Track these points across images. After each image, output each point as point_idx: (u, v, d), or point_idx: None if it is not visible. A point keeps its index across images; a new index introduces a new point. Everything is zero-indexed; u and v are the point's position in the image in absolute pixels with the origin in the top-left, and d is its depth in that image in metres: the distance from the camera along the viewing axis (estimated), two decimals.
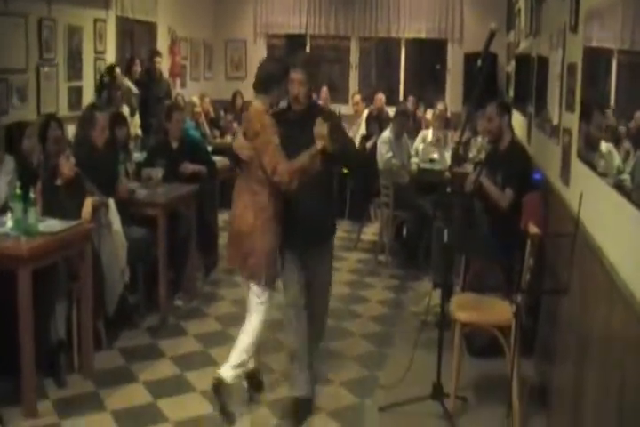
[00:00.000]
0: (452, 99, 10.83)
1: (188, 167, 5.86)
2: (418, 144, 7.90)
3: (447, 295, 4.23)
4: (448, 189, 4.08)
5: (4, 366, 3.95)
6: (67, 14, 7.67)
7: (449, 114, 9.20)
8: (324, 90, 10.29)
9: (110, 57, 8.56)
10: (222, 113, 9.67)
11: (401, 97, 11.45)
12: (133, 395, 4.15)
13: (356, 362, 4.76)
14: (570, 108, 3.81)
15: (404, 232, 7.33)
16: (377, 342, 5.10)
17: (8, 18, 6.85)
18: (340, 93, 11.49)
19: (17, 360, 3.85)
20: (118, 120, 5.87)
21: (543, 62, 5.04)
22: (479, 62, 4.13)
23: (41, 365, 4.06)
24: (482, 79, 4.32)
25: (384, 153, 7.10)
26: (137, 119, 7.86)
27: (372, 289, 6.26)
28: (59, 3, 7.47)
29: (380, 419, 4.02)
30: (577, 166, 3.58)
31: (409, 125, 8.00)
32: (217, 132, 8.90)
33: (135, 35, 9.37)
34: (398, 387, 4.27)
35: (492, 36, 3.71)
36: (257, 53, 11.64)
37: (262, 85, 3.92)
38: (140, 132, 7.81)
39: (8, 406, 3.90)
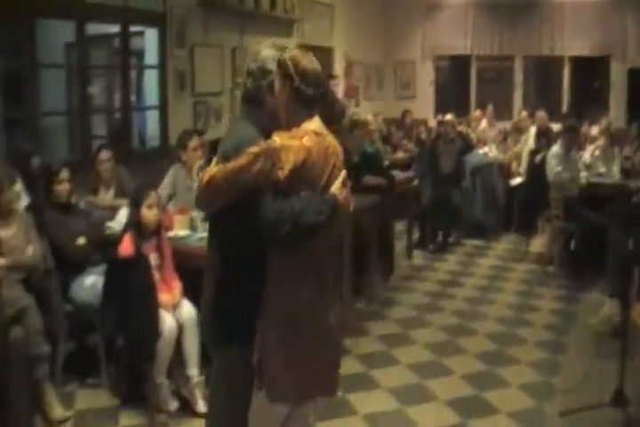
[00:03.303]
0: (616, 114, 10.38)
1: (370, 180, 5.97)
2: (586, 158, 7.67)
3: (624, 305, 4.07)
4: (634, 200, 3.94)
5: None
6: (256, 43, 8.01)
7: (612, 129, 8.85)
8: (490, 107, 10.21)
9: None
10: (393, 130, 9.76)
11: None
12: None
13: (531, 367, 4.65)
14: None
15: (572, 244, 7.12)
16: (550, 350, 4.95)
17: (207, 48, 7.29)
18: (502, 111, 11.32)
19: None
20: None
21: None
22: None
23: None
24: None
25: (554, 166, 6.93)
26: None
27: (542, 299, 6.09)
28: (249, 33, 7.85)
29: (561, 423, 3.91)
30: None
31: (578, 140, 7.76)
32: (388, 149, 8.99)
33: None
34: (576, 393, 4.15)
35: None
36: (425, 74, 11.71)
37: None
38: None
39: None
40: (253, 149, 2.35)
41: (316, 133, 2.45)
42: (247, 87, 2.57)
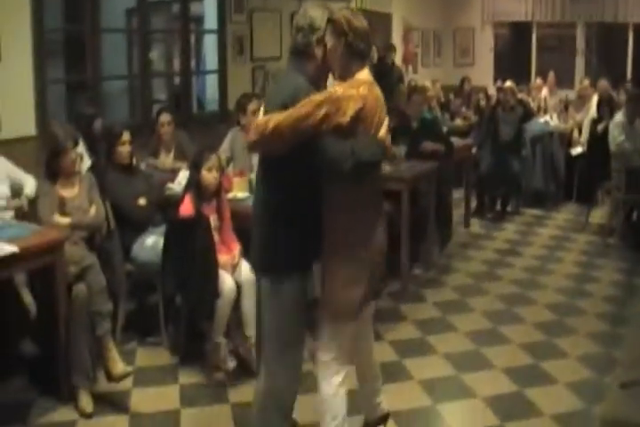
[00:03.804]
0: None
1: (429, 146, 5.86)
2: None
3: None
4: None
5: None
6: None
7: None
8: (551, 75, 9.92)
9: None
10: (451, 97, 9.56)
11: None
12: (382, 353, 4.19)
13: (591, 339, 4.52)
14: None
15: (634, 216, 6.91)
16: (611, 322, 4.81)
17: (266, 13, 7.22)
18: (563, 79, 10.98)
19: None
20: None
21: None
22: None
23: None
24: None
25: (617, 136, 6.70)
26: None
27: (603, 270, 5.92)
28: None
29: (620, 396, 3.80)
30: None
31: None
32: (447, 116, 8.83)
33: (372, 25, 9.44)
34: (638, 366, 4.02)
35: None
36: (484, 41, 11.43)
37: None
38: None
39: None
40: (318, 98, 2.59)
41: (369, 84, 2.72)
42: (297, 42, 2.77)
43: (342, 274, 2.74)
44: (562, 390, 3.85)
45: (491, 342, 4.44)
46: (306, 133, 2.56)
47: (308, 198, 2.72)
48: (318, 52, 2.75)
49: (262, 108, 2.81)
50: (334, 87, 2.68)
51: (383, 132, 2.73)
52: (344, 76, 2.74)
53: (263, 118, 2.63)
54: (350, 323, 2.82)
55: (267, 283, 2.80)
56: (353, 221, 2.74)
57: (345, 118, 2.58)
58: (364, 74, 2.74)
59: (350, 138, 2.61)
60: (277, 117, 2.55)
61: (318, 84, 2.75)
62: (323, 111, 2.54)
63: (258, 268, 2.94)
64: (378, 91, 2.77)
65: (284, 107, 2.59)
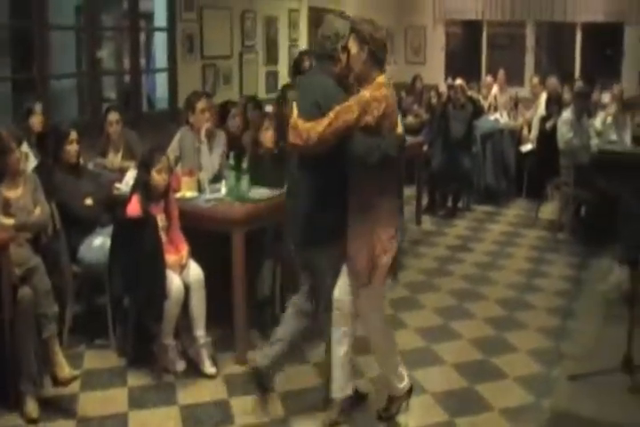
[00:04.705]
0: (628, 82, 10.14)
1: None
2: (597, 125, 7.52)
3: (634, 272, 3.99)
4: None
5: (222, 319, 4.11)
6: (265, 6, 7.90)
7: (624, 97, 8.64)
8: (501, 73, 10.01)
9: (302, 44, 8.73)
10: (403, 95, 9.57)
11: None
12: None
13: (541, 333, 4.58)
14: None
15: (583, 211, 7.01)
16: (560, 316, 4.88)
17: (216, 11, 7.15)
18: (513, 77, 11.08)
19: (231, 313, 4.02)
20: None
21: None
22: None
23: (250, 318, 4.20)
24: None
25: (565, 133, 6.78)
26: None
27: (553, 265, 6.00)
28: None
29: (569, 388, 3.86)
30: None
31: (589, 106, 7.60)
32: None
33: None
34: (585, 359, 4.09)
35: None
36: (435, 39, 11.46)
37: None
38: None
39: (223, 352, 4.13)
40: (350, 103, 3.06)
41: (387, 86, 3.17)
42: (325, 48, 3.25)
43: (375, 245, 3.17)
44: (511, 384, 3.89)
45: (441, 337, 4.47)
46: (344, 134, 3.06)
47: (338, 188, 3.20)
48: (343, 56, 3.22)
49: (295, 106, 3.25)
50: (362, 92, 3.10)
51: (400, 128, 3.23)
52: (365, 79, 3.17)
53: (304, 126, 3.09)
54: (382, 284, 3.33)
55: (312, 253, 3.36)
56: (380, 202, 3.18)
57: (373, 118, 3.04)
58: (383, 78, 3.17)
59: (378, 134, 3.07)
60: (317, 128, 3.04)
61: (343, 82, 3.27)
62: (356, 114, 3.03)
63: (302, 242, 3.38)
64: (393, 92, 3.22)
65: (317, 105, 3.15)
